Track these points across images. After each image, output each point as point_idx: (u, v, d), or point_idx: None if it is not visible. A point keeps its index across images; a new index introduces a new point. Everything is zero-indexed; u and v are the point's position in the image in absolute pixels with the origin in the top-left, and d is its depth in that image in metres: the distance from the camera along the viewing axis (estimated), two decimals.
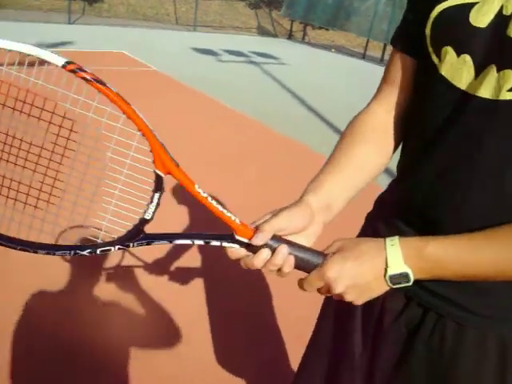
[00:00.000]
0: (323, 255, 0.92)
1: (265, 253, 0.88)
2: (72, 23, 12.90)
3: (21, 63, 0.81)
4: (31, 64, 0.82)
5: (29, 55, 0.81)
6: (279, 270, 0.90)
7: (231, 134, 5.83)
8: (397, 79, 1.06)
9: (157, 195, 0.88)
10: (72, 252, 0.88)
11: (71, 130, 0.85)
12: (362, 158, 1.04)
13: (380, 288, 0.90)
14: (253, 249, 0.89)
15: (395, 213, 1.05)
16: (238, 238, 0.89)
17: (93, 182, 0.88)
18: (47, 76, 0.83)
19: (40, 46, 0.76)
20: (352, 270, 0.88)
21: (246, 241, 0.89)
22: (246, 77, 9.24)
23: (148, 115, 0.82)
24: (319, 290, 0.91)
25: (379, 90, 1.10)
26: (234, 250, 0.90)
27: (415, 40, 0.98)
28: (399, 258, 0.87)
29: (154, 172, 0.87)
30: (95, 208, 0.89)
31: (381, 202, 1.16)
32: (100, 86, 0.82)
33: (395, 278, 0.88)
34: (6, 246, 0.88)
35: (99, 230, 0.89)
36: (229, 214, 0.90)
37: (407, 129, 1.06)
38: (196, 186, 0.88)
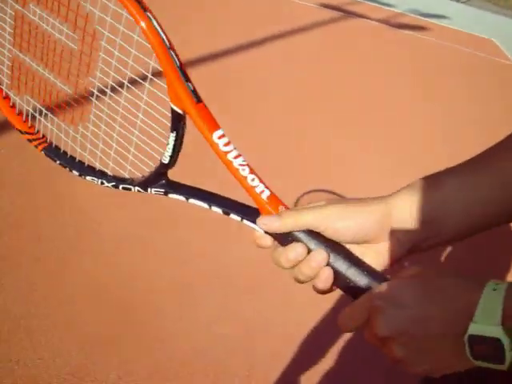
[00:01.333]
0: (383, 279, 0.58)
1: (298, 249, 0.60)
2: (461, 2, 12.64)
3: None
4: None
5: None
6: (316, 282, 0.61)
7: None
8: None
9: (173, 136, 0.66)
10: (99, 181, 0.76)
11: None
12: None
13: (451, 356, 0.53)
14: (283, 240, 0.62)
15: None
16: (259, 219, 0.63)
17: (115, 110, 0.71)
18: None
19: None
20: (415, 307, 0.53)
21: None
22: None
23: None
24: (366, 334, 0.58)
25: None
26: (258, 235, 0.63)
27: None
28: (495, 310, 0.49)
29: (170, 107, 0.64)
30: (124, 141, 0.73)
31: None
32: None
33: (478, 345, 0.50)
34: (52, 160, 0.81)
35: (125, 165, 0.73)
36: (253, 184, 0.62)
37: None
38: (215, 135, 0.63)
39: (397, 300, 0.54)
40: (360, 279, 0.58)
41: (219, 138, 0.63)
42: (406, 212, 0.60)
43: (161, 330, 1.91)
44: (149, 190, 0.71)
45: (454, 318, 0.52)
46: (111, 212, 2.43)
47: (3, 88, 0.83)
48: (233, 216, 0.65)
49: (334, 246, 0.60)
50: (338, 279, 0.59)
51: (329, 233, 0.59)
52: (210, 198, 0.67)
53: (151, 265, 2.20)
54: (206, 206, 0.67)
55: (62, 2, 0.69)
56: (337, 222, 0.59)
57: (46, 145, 0.82)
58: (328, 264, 0.59)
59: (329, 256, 0.59)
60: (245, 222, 0.64)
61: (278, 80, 4.47)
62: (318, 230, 0.59)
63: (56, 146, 0.81)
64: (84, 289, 2.00)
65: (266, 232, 0.62)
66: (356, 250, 0.61)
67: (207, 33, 5.10)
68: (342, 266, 0.59)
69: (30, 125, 0.83)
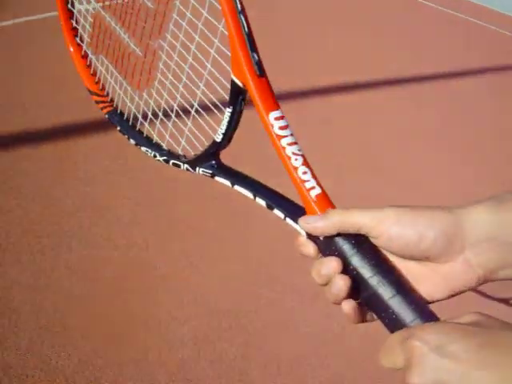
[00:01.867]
0: (430, 316, 0.47)
1: (332, 264, 0.50)
2: None
3: None
4: None
5: None
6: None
7: None
8: None
9: (228, 111, 0.59)
10: (152, 153, 0.71)
11: None
12: None
13: None
14: (326, 249, 0.52)
15: None
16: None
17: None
18: None
19: None
20: (463, 360, 0.41)
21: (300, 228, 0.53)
22: None
23: None
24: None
25: None
26: (301, 240, 0.54)
27: None
28: None
29: (231, 78, 0.57)
30: (183, 113, 0.67)
31: None
32: None
33: None
34: (113, 125, 0.77)
35: (180, 140, 0.67)
36: (304, 177, 0.53)
37: None
38: (272, 115, 0.55)
39: (442, 346, 0.42)
40: (403, 313, 0.47)
41: (276, 119, 0.55)
42: (482, 228, 0.48)
43: None
44: (197, 169, 0.65)
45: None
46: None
47: (84, 46, 0.81)
48: (276, 212, 0.56)
49: (382, 266, 0.49)
50: (377, 307, 0.49)
51: (382, 241, 0.49)
52: (257, 187, 0.59)
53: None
54: (250, 195, 0.59)
55: None
56: (392, 227, 0.48)
57: (110, 109, 0.78)
58: (369, 288, 0.49)
59: (374, 278, 0.49)
60: (288, 220, 0.55)
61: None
62: (370, 235, 0.49)
63: (120, 113, 0.77)
64: None
65: (309, 237, 0.53)
66: (415, 269, 0.50)
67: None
68: (386, 292, 0.48)
69: (101, 87, 0.80)
